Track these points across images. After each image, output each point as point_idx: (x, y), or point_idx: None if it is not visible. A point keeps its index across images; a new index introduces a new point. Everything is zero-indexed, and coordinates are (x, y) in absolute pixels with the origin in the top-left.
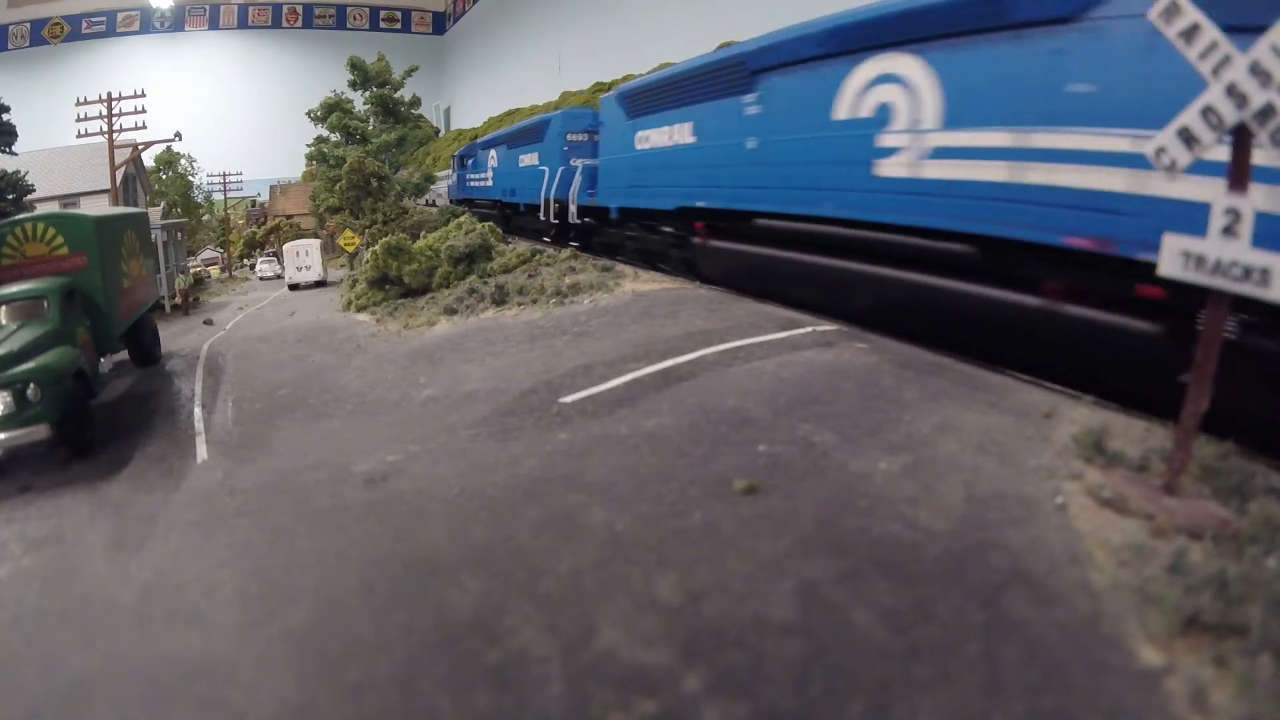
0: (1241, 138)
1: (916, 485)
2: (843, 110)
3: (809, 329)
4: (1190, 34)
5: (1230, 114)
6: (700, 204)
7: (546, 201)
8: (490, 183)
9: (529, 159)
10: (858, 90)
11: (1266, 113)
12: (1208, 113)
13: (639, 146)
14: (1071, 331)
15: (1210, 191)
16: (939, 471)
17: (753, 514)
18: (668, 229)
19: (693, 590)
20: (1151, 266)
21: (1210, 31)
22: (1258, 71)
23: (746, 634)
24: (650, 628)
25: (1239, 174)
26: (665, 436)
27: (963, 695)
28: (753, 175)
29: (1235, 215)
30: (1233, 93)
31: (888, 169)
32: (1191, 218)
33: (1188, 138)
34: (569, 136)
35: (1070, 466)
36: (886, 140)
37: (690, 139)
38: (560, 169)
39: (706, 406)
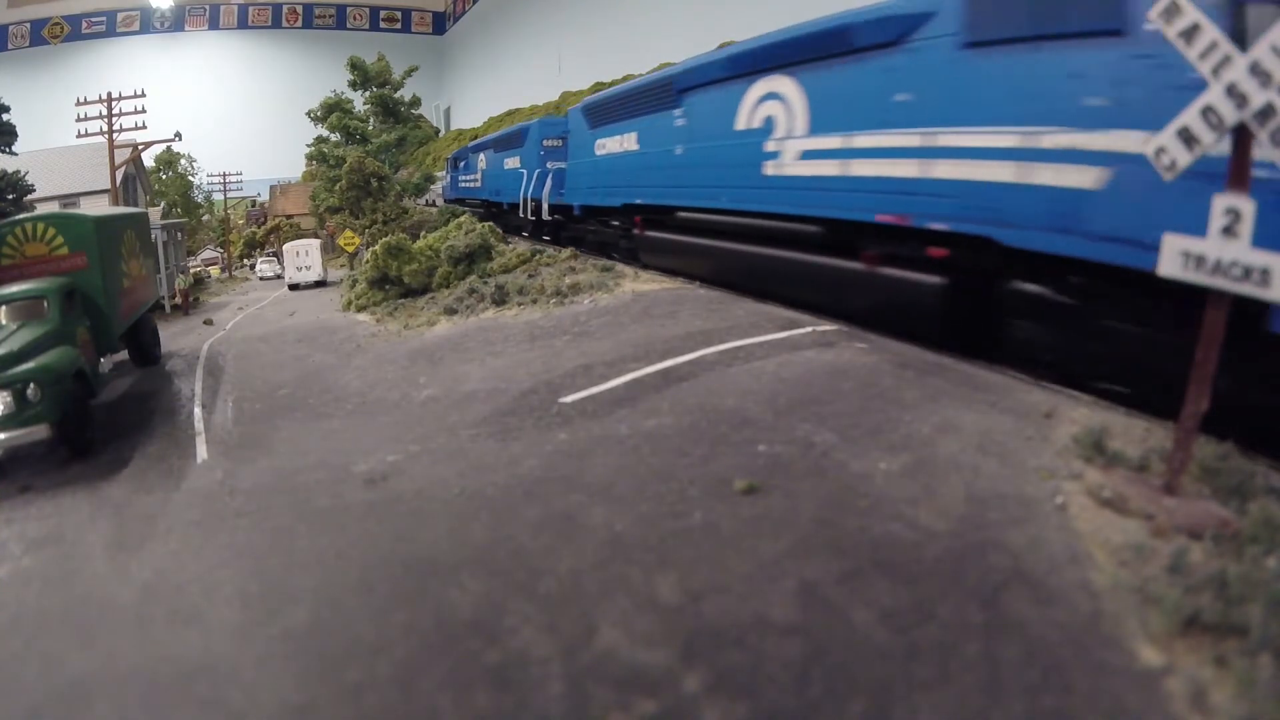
0: (1241, 138)
1: (916, 485)
2: (741, 122)
3: (809, 329)
4: (1190, 34)
5: (1230, 114)
6: (638, 201)
7: (525, 200)
8: (479, 184)
9: (512, 162)
10: (751, 106)
11: (1266, 113)
12: (1208, 113)
13: (598, 153)
14: (885, 288)
15: (967, 170)
16: (939, 471)
17: (753, 514)
18: (616, 223)
19: (693, 590)
20: (934, 233)
21: (1210, 31)
22: (1258, 71)
23: (746, 634)
24: (650, 628)
25: (1239, 174)
26: (665, 436)
27: (963, 695)
28: (677, 176)
29: (1235, 215)
30: (1233, 93)
31: (770, 169)
32: (961, 192)
33: (1188, 138)
34: (545, 142)
35: (1070, 466)
36: (770, 146)
37: (635, 146)
38: (537, 171)
39: (706, 406)
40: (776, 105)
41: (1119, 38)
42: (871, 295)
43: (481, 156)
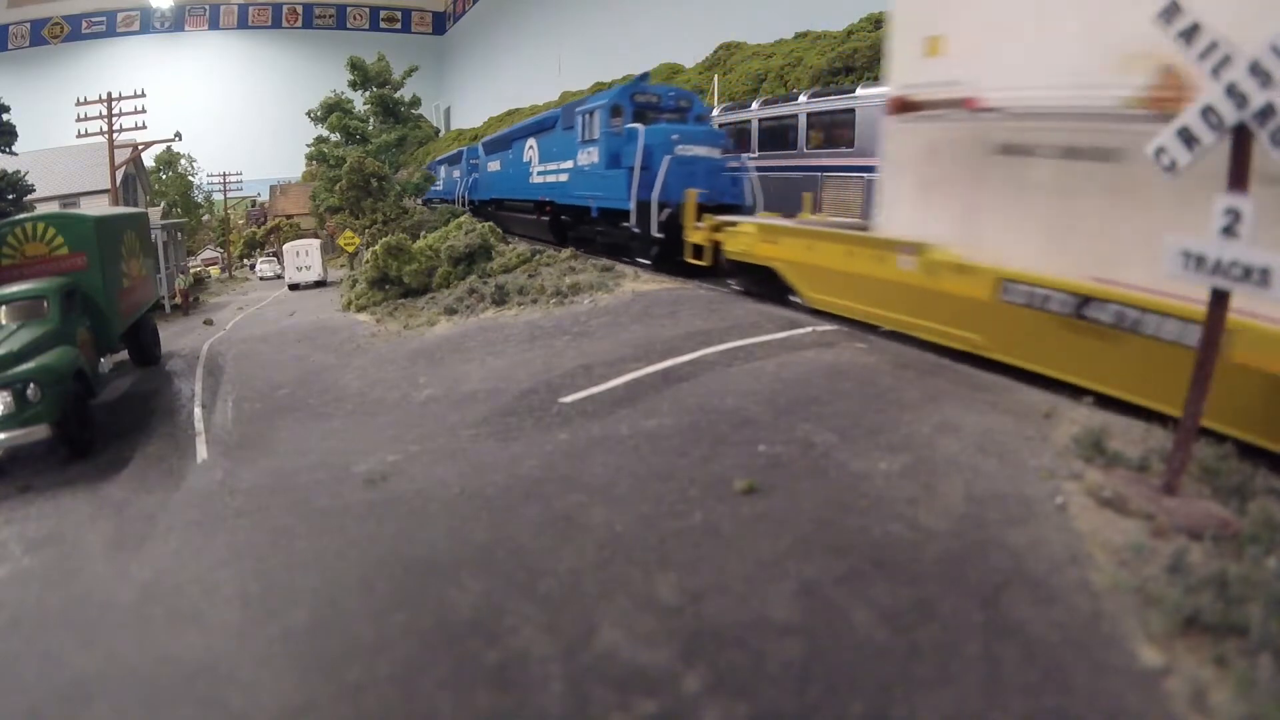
0: (1241, 138)
1: (916, 485)
2: (524, 158)
3: (809, 329)
4: (1190, 34)
5: (1230, 114)
6: (494, 196)
7: (459, 196)
8: (441, 187)
9: (456, 172)
10: (526, 150)
11: (1266, 113)
12: (1207, 113)
13: (488, 170)
14: (541, 224)
15: (553, 178)
16: (939, 471)
17: (753, 514)
18: (490, 209)
19: (693, 590)
20: (549, 202)
21: (1210, 31)
22: (1258, 71)
23: (746, 634)
24: (650, 628)
25: (1239, 174)
26: (665, 436)
27: (963, 695)
28: (507, 184)
29: (1235, 215)
30: (1233, 93)
31: (530, 180)
32: (552, 187)
33: (1188, 138)
34: (471, 160)
35: (1070, 467)
36: (530, 169)
37: (499, 167)
38: (466, 179)
39: (706, 406)
40: (530, 151)
41: (571, 129)
42: (540, 229)
43: (442, 168)
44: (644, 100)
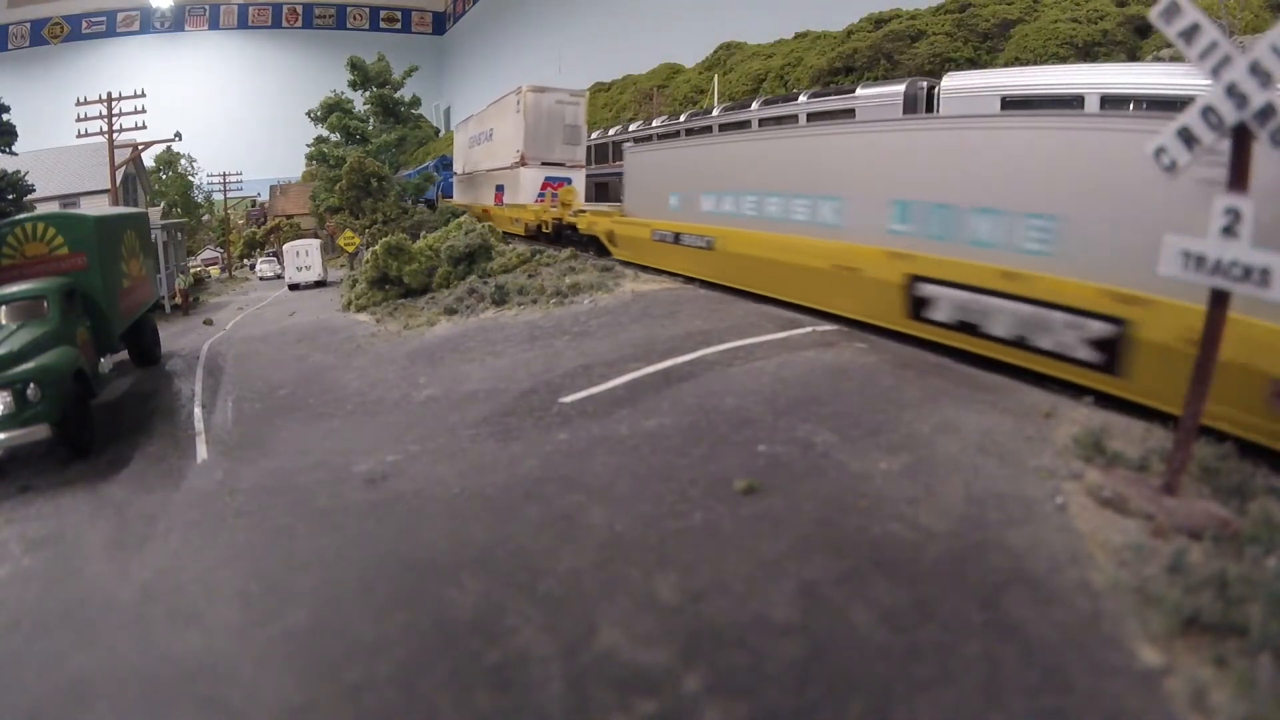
0: (1241, 138)
1: (916, 485)
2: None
3: (809, 329)
4: (1190, 34)
5: (1230, 114)
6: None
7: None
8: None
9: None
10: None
11: (1266, 113)
12: (1208, 113)
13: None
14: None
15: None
16: (939, 471)
17: (753, 514)
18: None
19: (693, 590)
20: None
21: (1210, 31)
22: (1258, 71)
23: (746, 634)
24: (650, 628)
25: (1239, 174)
26: (665, 436)
27: (963, 695)
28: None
29: (1235, 215)
30: (1233, 93)
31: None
32: (430, 193)
33: (1188, 138)
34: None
35: (1070, 467)
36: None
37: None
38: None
39: (706, 406)
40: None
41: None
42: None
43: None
44: (447, 163)
